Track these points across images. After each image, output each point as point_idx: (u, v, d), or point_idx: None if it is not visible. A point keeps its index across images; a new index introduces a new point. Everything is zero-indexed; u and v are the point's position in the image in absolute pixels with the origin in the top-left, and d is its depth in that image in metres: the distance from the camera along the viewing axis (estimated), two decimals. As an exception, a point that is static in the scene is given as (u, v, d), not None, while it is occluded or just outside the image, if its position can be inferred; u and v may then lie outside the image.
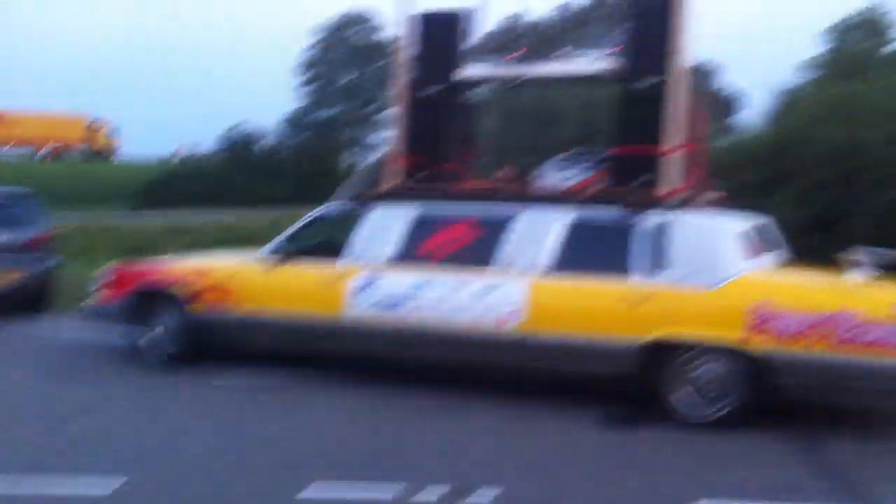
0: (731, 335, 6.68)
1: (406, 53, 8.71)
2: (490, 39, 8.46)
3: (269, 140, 49.96)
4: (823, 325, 6.42)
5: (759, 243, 7.56)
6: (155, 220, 27.63)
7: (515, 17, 38.64)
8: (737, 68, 61.33)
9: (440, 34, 8.47)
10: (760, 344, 6.58)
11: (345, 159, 45.30)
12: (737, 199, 12.32)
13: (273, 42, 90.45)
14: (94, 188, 45.31)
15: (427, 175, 8.47)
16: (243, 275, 8.47)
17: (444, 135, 8.54)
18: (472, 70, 8.57)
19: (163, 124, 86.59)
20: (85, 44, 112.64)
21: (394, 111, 8.80)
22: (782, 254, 7.95)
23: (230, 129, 48.96)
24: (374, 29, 53.08)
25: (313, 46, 52.16)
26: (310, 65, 51.69)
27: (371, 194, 8.48)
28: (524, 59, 8.25)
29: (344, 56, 51.19)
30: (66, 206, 36.10)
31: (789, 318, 6.51)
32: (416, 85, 8.60)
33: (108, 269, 9.29)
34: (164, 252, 16.58)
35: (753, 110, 18.17)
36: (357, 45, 51.09)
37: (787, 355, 6.52)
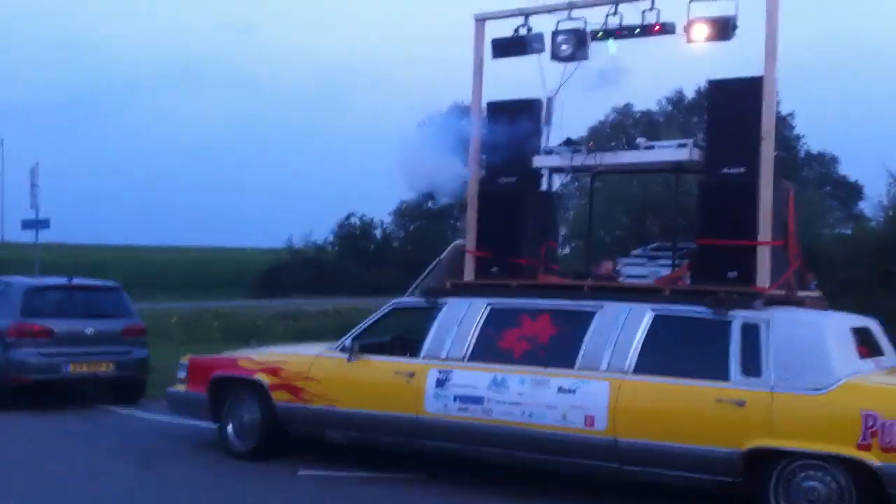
0: (843, 445, 6.07)
1: (477, 144, 8.49)
2: (594, 129, 8.20)
3: (382, 230, 50.81)
4: None
5: (865, 346, 6.94)
6: (269, 307, 28.12)
7: (625, 108, 38.47)
8: (854, 158, 59.42)
9: (514, 123, 8.22)
10: (876, 455, 5.95)
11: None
12: (852, 292, 11.62)
13: (385, 130, 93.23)
14: (215, 276, 46.86)
15: (501, 268, 8.16)
16: (320, 368, 8.29)
17: (519, 227, 8.24)
18: (545, 160, 8.28)
19: (278, 214, 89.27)
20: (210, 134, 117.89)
21: (467, 203, 8.56)
22: (891, 359, 7.26)
23: (344, 219, 50.02)
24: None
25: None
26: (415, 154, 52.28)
27: (444, 288, 8.21)
28: (599, 149, 7.93)
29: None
30: (187, 293, 37.43)
31: None
32: (489, 175, 8.36)
33: (184, 359, 9.28)
34: (273, 338, 16.96)
35: (871, 201, 17.22)
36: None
37: None
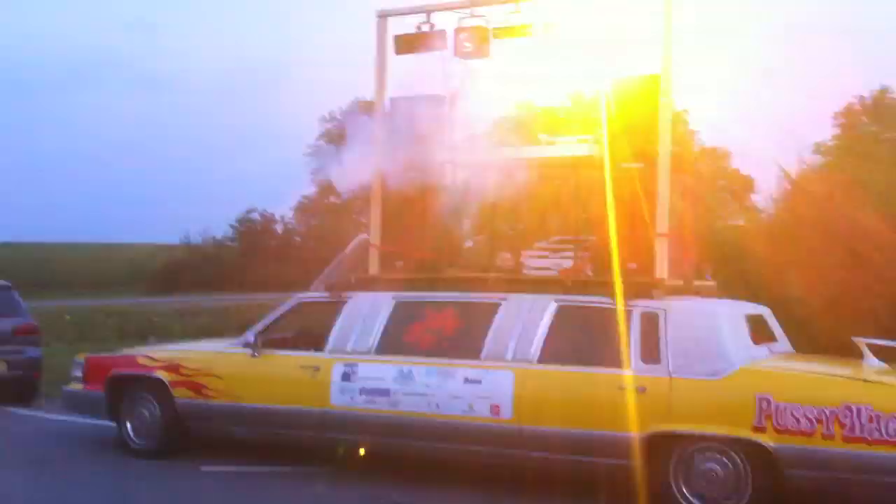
0: (740, 427, 6.29)
1: (381, 139, 8.49)
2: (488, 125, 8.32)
3: (283, 225, 50.29)
4: (834, 419, 6.04)
5: (759, 333, 7.21)
6: (166, 304, 27.61)
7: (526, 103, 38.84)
8: (745, 152, 61.13)
9: (417, 118, 8.24)
10: (770, 437, 6.19)
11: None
12: (745, 282, 12.00)
13: (286, 127, 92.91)
14: (108, 273, 45.70)
15: (405, 262, 8.20)
16: (222, 364, 8.20)
17: (423, 221, 8.26)
18: (449, 154, 8.33)
19: (173, 209, 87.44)
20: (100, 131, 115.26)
21: (371, 198, 8.56)
22: (783, 345, 7.56)
23: (244, 214, 49.35)
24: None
25: (324, 133, 52.22)
26: (319, 151, 51.75)
27: (349, 283, 8.19)
28: (502, 144, 8.03)
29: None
30: (78, 291, 36.43)
31: (797, 411, 6.13)
32: (392, 169, 8.36)
33: (81, 358, 9.06)
34: (171, 336, 16.64)
35: (764, 194, 17.81)
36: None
37: (797, 450, 6.12)
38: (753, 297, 8.77)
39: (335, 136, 50.89)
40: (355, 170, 8.44)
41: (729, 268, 12.62)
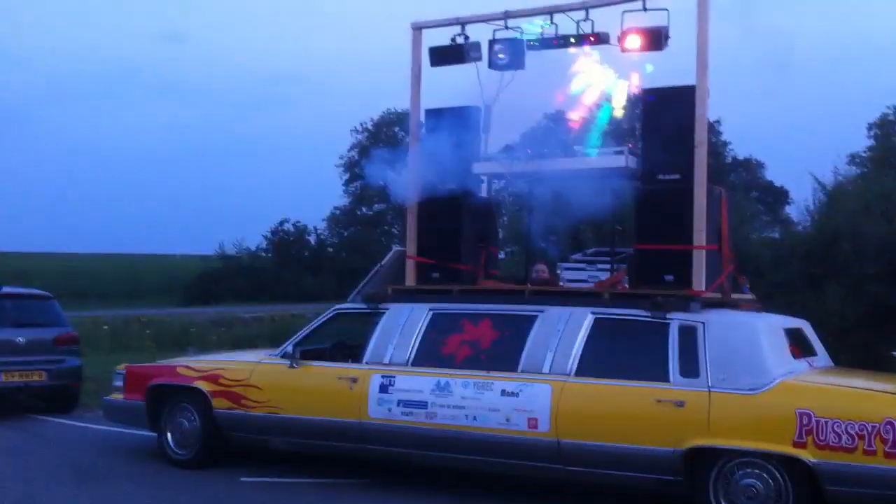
0: (780, 443, 6.25)
1: (416, 150, 8.53)
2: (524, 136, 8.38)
3: (316, 236, 50.51)
4: (875, 435, 5.99)
5: (798, 346, 7.16)
6: (200, 314, 27.81)
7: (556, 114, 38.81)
8: (779, 164, 60.75)
9: (452, 130, 8.27)
10: (811, 452, 6.14)
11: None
12: (781, 295, 11.90)
13: (319, 139, 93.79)
14: (144, 283, 46.18)
15: (442, 274, 8.22)
16: (261, 374, 8.25)
17: (459, 233, 8.30)
18: (485, 166, 8.38)
19: (207, 221, 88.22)
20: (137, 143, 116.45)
21: (407, 209, 8.61)
22: (822, 359, 7.50)
23: (277, 226, 49.62)
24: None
25: (356, 145, 52.41)
26: (351, 163, 51.97)
27: (386, 294, 8.23)
28: (537, 155, 8.03)
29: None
30: (115, 300, 36.84)
31: (839, 427, 6.08)
32: (428, 182, 8.40)
33: (121, 368, 9.16)
34: (206, 346, 16.79)
35: (798, 206, 17.68)
36: (403, 141, 51.13)
37: (838, 466, 6.07)
38: (790, 311, 8.72)
39: (366, 147, 51.40)
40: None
41: (765, 281, 12.54)
